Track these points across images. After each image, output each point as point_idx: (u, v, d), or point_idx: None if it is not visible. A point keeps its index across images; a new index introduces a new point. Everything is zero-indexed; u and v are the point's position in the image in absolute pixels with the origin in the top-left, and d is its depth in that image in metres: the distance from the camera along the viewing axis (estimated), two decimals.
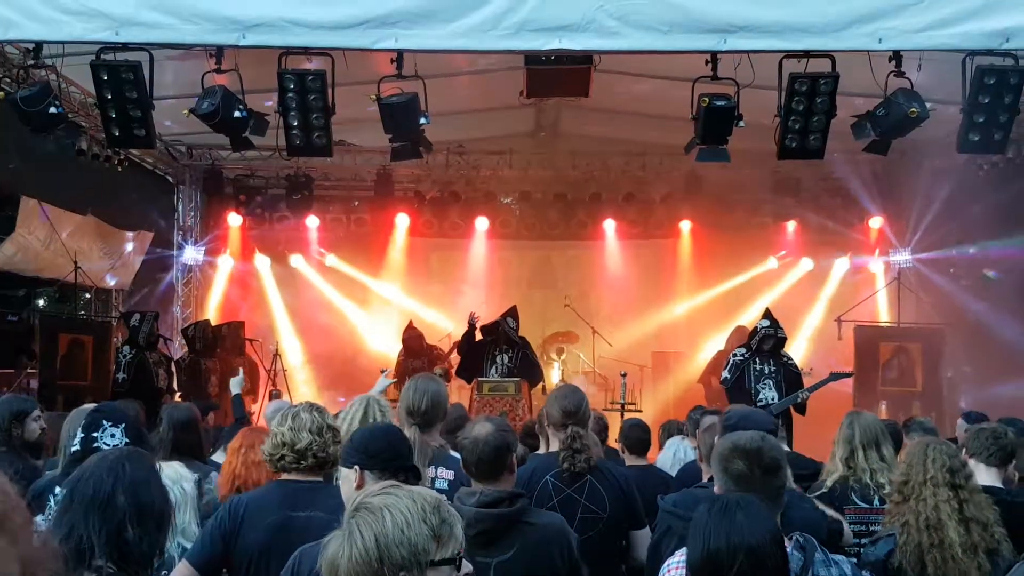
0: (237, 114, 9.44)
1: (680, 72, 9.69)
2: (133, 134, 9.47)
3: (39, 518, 4.03)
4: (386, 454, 3.48)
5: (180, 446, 5.29)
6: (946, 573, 3.86)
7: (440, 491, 4.11)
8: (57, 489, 4.06)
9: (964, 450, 4.92)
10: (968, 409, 7.21)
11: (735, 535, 2.54)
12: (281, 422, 3.93)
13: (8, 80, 9.59)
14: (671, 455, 6.67)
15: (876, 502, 4.80)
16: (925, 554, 3.91)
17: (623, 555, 4.60)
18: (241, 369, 10.10)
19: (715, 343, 15.26)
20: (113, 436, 4.07)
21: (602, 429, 6.60)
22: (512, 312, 12.32)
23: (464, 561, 2.24)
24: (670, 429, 7.54)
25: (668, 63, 10.17)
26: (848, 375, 11.21)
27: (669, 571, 3.26)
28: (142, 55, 8.98)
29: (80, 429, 4.16)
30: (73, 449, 4.14)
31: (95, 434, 4.08)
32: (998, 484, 4.69)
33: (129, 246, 14.16)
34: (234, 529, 3.79)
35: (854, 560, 4.00)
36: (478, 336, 12.65)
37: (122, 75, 9.07)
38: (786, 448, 5.87)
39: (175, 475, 4.51)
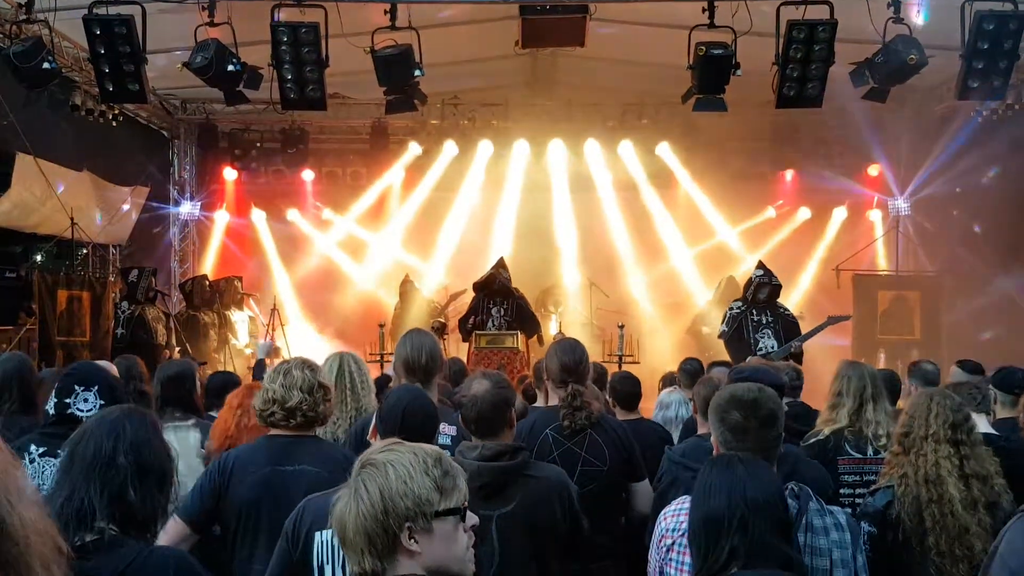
0: (231, 68, 9.37)
1: (677, 20, 9.60)
2: (127, 88, 9.41)
3: None
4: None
5: (170, 401, 5.31)
6: (945, 527, 3.85)
7: (443, 446, 4.12)
8: (32, 447, 4.06)
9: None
10: (964, 357, 7.20)
11: (734, 491, 2.54)
12: (273, 378, 3.91)
13: (1, 36, 9.48)
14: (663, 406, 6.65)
15: (870, 452, 4.80)
16: (923, 508, 3.90)
17: (623, 508, 4.62)
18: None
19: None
20: (87, 400, 4.04)
21: (600, 376, 6.55)
22: (502, 263, 12.29)
23: (469, 513, 2.26)
24: (668, 381, 7.52)
25: (664, 11, 10.08)
26: (846, 318, 11.22)
27: (666, 518, 3.28)
28: (134, 9, 8.88)
29: (53, 394, 4.12)
30: (50, 414, 4.11)
31: (68, 400, 4.04)
32: (991, 430, 4.70)
33: (126, 201, 14.09)
34: (224, 483, 3.80)
35: (849, 510, 4.03)
36: (470, 294, 12.65)
37: (115, 29, 8.99)
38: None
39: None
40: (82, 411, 4.00)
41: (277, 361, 6.59)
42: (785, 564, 2.56)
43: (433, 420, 3.72)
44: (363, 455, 2.28)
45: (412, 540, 2.16)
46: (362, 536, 2.16)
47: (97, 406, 4.00)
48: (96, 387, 4.09)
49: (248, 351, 14.63)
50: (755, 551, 2.49)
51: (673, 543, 3.14)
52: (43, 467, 3.99)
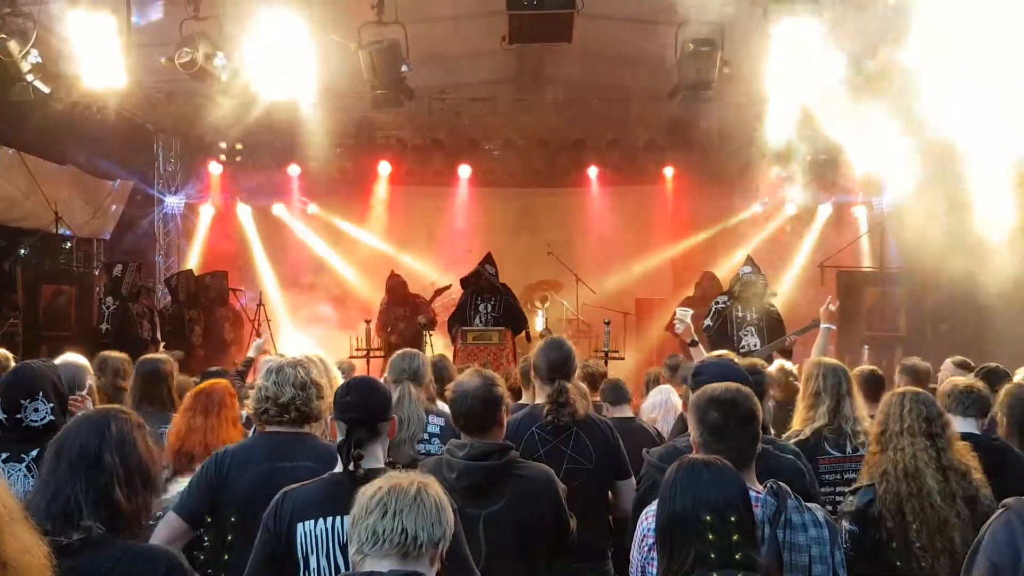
0: (217, 62, 9.33)
1: (663, 16, 9.62)
2: (111, 82, 9.38)
3: None
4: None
5: (147, 397, 5.52)
6: (925, 520, 3.91)
7: (432, 435, 4.17)
8: None
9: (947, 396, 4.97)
10: (951, 354, 7.32)
11: (699, 495, 2.58)
12: (266, 376, 3.98)
13: None
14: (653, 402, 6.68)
15: (849, 450, 4.85)
16: (904, 502, 3.96)
17: (609, 505, 4.65)
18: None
19: None
20: (37, 411, 4.04)
21: (596, 379, 6.55)
22: (488, 259, 12.29)
23: None
24: (654, 380, 7.56)
25: (652, 7, 10.09)
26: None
27: (648, 518, 3.31)
28: (120, 2, 8.85)
29: (0, 408, 4.10)
30: (3, 424, 4.09)
31: (19, 415, 4.04)
32: (974, 431, 4.74)
33: (110, 195, 14.04)
34: (220, 480, 3.82)
35: (829, 508, 4.07)
36: (457, 289, 12.66)
37: (100, 22, 8.96)
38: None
39: None
40: (36, 422, 4.02)
41: (264, 358, 6.61)
42: (748, 567, 2.59)
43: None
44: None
45: None
46: None
47: (48, 410, 4.02)
48: (40, 394, 4.08)
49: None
50: (719, 555, 2.53)
51: (655, 542, 3.17)
52: (8, 472, 3.99)
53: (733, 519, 2.57)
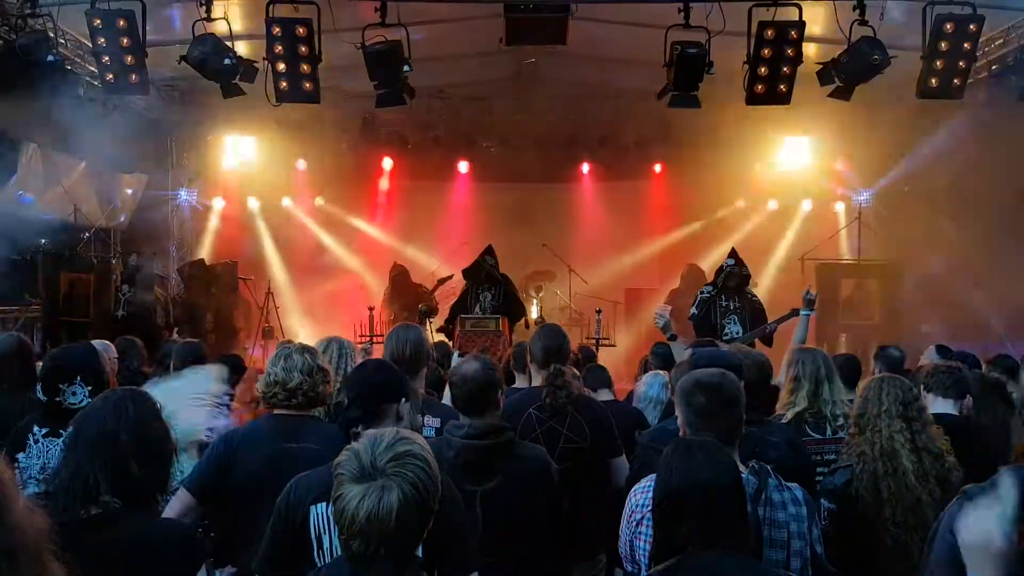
0: (227, 62, 9.30)
1: (653, 20, 9.60)
2: (127, 80, 9.36)
3: (20, 455, 4.05)
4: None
5: None
6: (900, 498, 3.94)
7: (427, 437, 4.16)
8: (36, 428, 4.09)
9: (923, 386, 4.99)
10: (931, 341, 7.37)
11: (692, 474, 2.58)
12: (275, 362, 4.02)
13: (6, 28, 9.41)
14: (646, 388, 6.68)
15: (829, 432, 4.87)
16: (880, 481, 3.99)
17: (604, 482, 4.67)
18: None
19: None
20: (75, 393, 4.06)
21: (588, 359, 6.58)
22: (489, 250, 12.26)
23: None
24: (646, 366, 7.57)
25: (642, 11, 10.08)
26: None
27: (635, 495, 3.33)
28: (135, 4, 8.82)
29: (40, 391, 4.15)
30: (43, 402, 4.13)
31: (58, 399, 4.06)
32: (951, 411, 4.76)
33: (126, 189, 14.00)
34: (229, 459, 3.84)
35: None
36: (456, 279, 12.63)
37: (116, 23, 8.95)
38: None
39: None
40: (74, 404, 4.02)
41: (280, 342, 6.63)
42: (739, 546, 2.59)
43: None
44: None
45: None
46: None
47: (85, 393, 4.03)
48: (79, 378, 4.10)
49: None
50: (710, 534, 2.53)
51: (642, 518, 3.20)
52: (47, 447, 4.01)
53: (724, 498, 2.57)
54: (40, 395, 4.14)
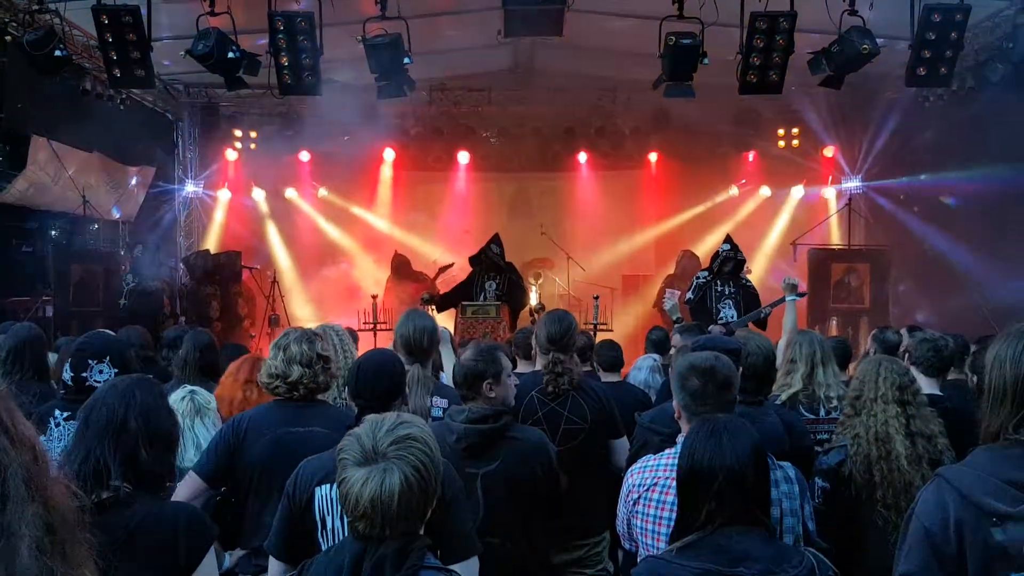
0: (231, 55, 9.28)
1: (648, 11, 9.58)
2: (133, 74, 9.34)
3: (41, 439, 4.03)
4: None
5: (205, 368, 5.33)
6: (891, 482, 3.95)
7: (436, 418, 4.18)
8: (57, 412, 4.07)
9: (907, 355, 5.01)
10: (912, 324, 7.39)
11: (718, 454, 2.56)
12: (274, 354, 3.96)
13: (15, 24, 9.39)
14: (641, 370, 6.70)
15: (822, 413, 4.88)
16: (873, 465, 3.99)
17: (604, 463, 4.68)
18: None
19: None
20: (102, 372, 4.04)
21: (586, 344, 6.59)
22: (495, 239, 12.25)
23: None
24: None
25: (637, 3, 10.05)
26: (802, 295, 11.24)
27: (632, 475, 3.30)
28: None
29: (68, 367, 4.13)
30: (68, 384, 4.12)
31: (84, 374, 4.04)
32: (936, 391, 4.78)
33: (133, 180, 13.97)
34: (237, 444, 3.83)
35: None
36: (458, 267, 12.61)
37: (122, 18, 8.92)
38: None
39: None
40: (99, 382, 3.99)
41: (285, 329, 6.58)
42: (757, 523, 2.57)
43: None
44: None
45: None
46: None
47: (111, 375, 4.01)
48: (108, 358, 4.09)
49: None
50: (733, 512, 2.52)
51: (639, 497, 3.19)
52: (68, 430, 4.01)
53: (748, 477, 2.54)
54: (68, 372, 4.11)
